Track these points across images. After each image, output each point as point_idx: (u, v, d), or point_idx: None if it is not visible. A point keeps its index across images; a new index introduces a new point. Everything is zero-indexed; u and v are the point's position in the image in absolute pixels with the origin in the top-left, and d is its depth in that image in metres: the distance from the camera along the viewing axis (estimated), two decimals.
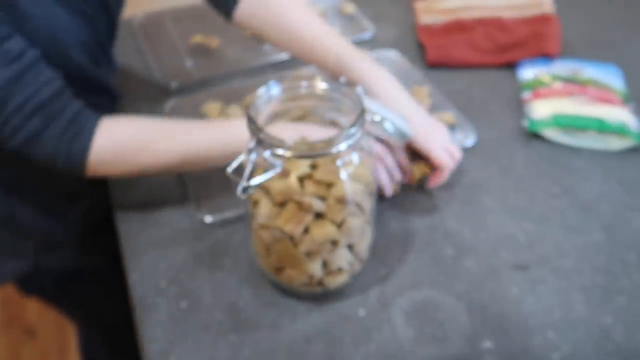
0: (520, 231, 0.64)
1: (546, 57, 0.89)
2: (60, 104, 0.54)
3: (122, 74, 0.89)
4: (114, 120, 0.59)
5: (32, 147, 0.55)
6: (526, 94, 0.82)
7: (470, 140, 0.75)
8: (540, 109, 0.78)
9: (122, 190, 0.70)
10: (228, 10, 0.71)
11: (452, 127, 0.77)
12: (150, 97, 0.85)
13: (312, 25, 0.67)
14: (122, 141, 0.58)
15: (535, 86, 0.83)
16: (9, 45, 0.51)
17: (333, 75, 0.68)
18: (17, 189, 0.70)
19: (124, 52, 0.94)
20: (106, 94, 0.76)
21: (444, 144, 0.64)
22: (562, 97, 0.80)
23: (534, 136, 0.76)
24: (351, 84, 0.66)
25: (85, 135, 0.56)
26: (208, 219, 0.65)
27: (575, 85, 0.81)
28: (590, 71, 0.84)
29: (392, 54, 0.92)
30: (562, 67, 0.86)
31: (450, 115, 0.78)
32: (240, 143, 0.50)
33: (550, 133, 0.75)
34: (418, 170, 0.66)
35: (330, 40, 0.66)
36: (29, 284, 0.82)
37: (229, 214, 0.65)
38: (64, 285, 0.83)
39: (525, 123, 0.77)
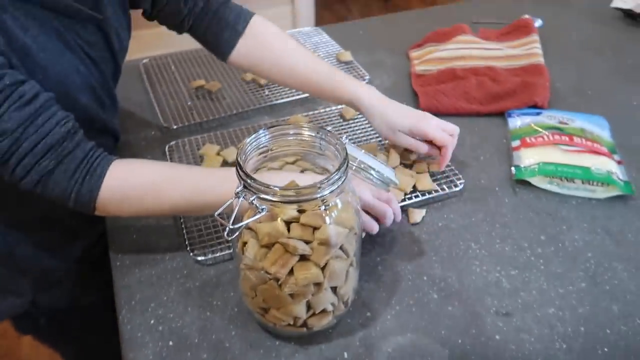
0: (505, 278, 0.64)
1: (535, 107, 0.92)
2: (71, 144, 0.57)
3: (126, 114, 0.93)
4: (125, 162, 0.61)
5: (44, 187, 0.57)
6: (515, 142, 0.85)
7: (458, 187, 0.77)
8: (528, 157, 0.80)
9: (119, 228, 0.72)
10: (225, 53, 0.78)
11: (441, 173, 0.79)
12: (151, 137, 0.88)
13: (308, 61, 0.78)
14: (130, 185, 0.60)
15: (524, 135, 0.85)
16: (24, 89, 0.54)
17: (327, 97, 0.79)
18: (18, 226, 0.72)
19: (128, 93, 0.98)
20: (110, 135, 0.79)
21: (439, 124, 0.74)
22: (549, 146, 0.82)
23: (522, 183, 0.78)
24: (348, 104, 0.77)
25: (95, 177, 0.58)
26: (199, 257, 0.66)
27: (562, 134, 0.84)
28: (577, 122, 0.87)
29: None
30: (550, 117, 0.89)
31: (438, 163, 0.80)
32: None
33: (537, 181, 0.77)
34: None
35: (322, 68, 0.77)
36: (24, 322, 0.83)
37: (220, 253, 0.67)
38: (58, 323, 0.84)
39: (513, 171, 0.79)
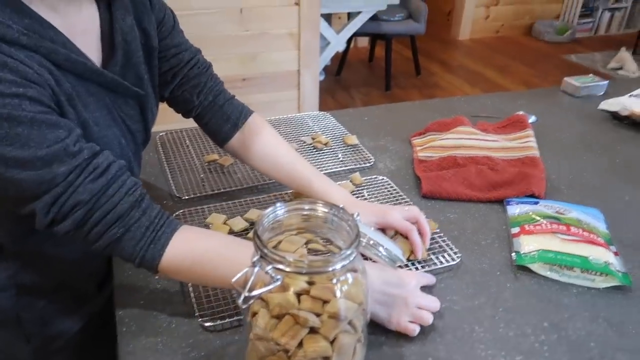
0: None
1: (533, 196, 0.96)
2: (138, 212, 0.60)
3: (142, 182, 0.96)
4: (188, 232, 0.64)
5: (113, 250, 0.61)
6: (514, 229, 0.88)
7: (455, 260, 0.80)
8: (528, 244, 0.83)
9: (126, 292, 0.72)
10: (222, 142, 0.87)
11: (438, 248, 0.81)
12: (162, 205, 0.90)
13: (292, 160, 0.86)
14: (190, 257, 0.63)
15: (523, 222, 0.88)
16: (98, 161, 0.59)
17: (305, 193, 0.85)
18: (30, 291, 0.73)
19: (144, 163, 1.02)
20: None
21: (402, 214, 0.79)
22: (548, 234, 0.85)
23: (523, 269, 0.80)
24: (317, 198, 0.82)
25: (159, 246, 0.61)
26: (207, 323, 0.66)
27: (560, 224, 0.87)
28: (574, 212, 0.91)
29: (387, 183, 0.99)
30: (547, 207, 0.92)
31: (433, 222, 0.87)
32: None
33: (538, 268, 0.79)
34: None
35: (304, 169, 0.85)
36: None
37: (228, 320, 0.67)
38: None
39: (514, 256, 0.82)
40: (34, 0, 0.58)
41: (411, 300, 0.66)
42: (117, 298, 0.71)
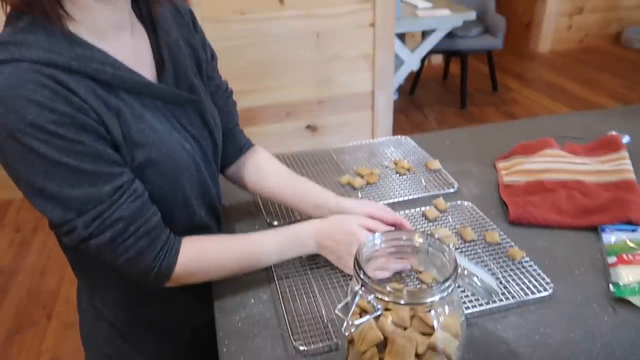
0: None
1: (630, 224, 0.92)
2: (160, 229, 0.71)
3: (232, 205, 1.03)
4: (191, 240, 0.75)
5: (134, 262, 0.69)
6: (611, 259, 0.84)
7: (548, 291, 0.78)
8: (627, 275, 0.79)
9: (226, 315, 0.77)
10: (225, 166, 0.95)
11: (530, 276, 0.79)
12: (255, 230, 0.96)
13: (289, 181, 0.93)
14: (197, 260, 0.75)
15: (620, 251, 0.84)
16: (135, 185, 0.69)
17: (297, 204, 0.92)
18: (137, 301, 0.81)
19: (237, 189, 1.09)
20: (213, 215, 0.88)
21: (364, 225, 0.81)
22: None
23: (621, 301, 0.76)
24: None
25: (172, 255, 0.72)
26: (301, 347, 0.70)
27: None
28: None
29: (472, 209, 0.99)
30: None
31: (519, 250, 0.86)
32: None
33: (639, 300, 0.76)
34: None
35: (296, 180, 0.93)
36: None
37: (319, 345, 0.70)
38: None
39: (612, 288, 0.78)
40: (84, 32, 0.66)
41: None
42: (217, 320, 0.77)
